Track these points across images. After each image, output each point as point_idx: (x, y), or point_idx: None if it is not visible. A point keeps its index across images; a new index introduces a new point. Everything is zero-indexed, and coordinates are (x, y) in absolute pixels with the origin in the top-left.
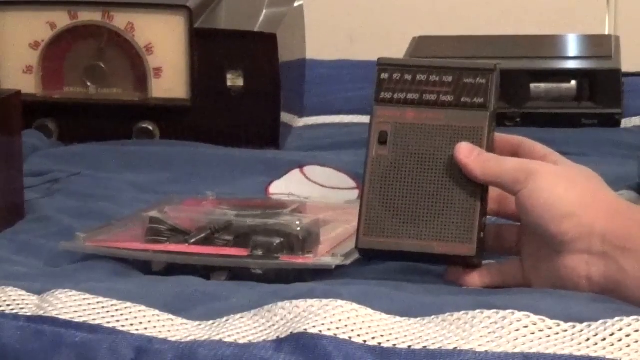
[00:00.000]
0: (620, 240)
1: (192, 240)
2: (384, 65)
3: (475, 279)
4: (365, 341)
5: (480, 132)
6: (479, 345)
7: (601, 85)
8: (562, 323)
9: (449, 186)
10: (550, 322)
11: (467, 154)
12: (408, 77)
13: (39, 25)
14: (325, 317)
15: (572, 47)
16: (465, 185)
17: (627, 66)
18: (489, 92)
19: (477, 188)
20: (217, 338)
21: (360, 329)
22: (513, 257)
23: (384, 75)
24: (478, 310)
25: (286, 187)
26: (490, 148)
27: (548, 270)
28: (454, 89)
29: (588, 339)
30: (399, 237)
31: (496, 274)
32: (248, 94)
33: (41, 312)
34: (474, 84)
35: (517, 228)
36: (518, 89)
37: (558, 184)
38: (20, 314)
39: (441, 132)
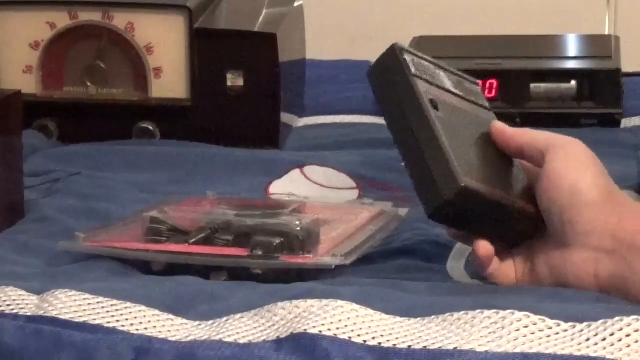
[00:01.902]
0: (631, 239)
1: (192, 240)
2: (402, 49)
3: (510, 273)
4: (365, 341)
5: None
6: (479, 345)
7: (601, 85)
8: (562, 323)
9: (501, 155)
10: (550, 322)
11: (503, 125)
12: (424, 63)
13: (39, 25)
14: (325, 318)
15: (572, 47)
16: (504, 158)
17: (627, 66)
18: (485, 99)
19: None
20: (217, 338)
21: (360, 329)
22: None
23: (408, 57)
24: (478, 311)
25: (286, 187)
26: None
27: (549, 267)
28: (462, 88)
29: (588, 339)
30: (495, 188)
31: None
32: (248, 94)
33: (41, 312)
34: (473, 90)
35: None
36: (518, 89)
37: (587, 169)
38: (20, 314)
39: (473, 116)
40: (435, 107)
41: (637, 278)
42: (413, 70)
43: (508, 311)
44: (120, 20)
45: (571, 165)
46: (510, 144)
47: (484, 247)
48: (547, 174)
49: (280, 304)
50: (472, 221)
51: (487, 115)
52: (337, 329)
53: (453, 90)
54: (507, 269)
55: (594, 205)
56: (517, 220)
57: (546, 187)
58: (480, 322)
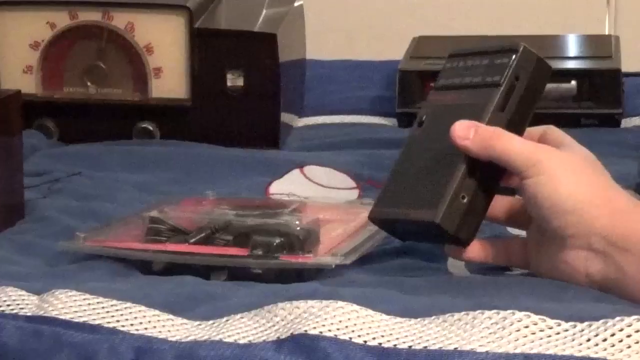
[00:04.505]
0: (621, 241)
1: (192, 240)
2: (453, 54)
3: (475, 252)
4: (365, 342)
5: (482, 108)
6: (480, 345)
7: (601, 85)
8: (562, 323)
9: (439, 160)
10: (551, 322)
11: (462, 133)
12: (463, 63)
13: (39, 25)
14: (325, 319)
15: (572, 47)
16: (451, 159)
17: (627, 66)
18: (506, 70)
19: (463, 162)
20: (217, 338)
21: (361, 329)
22: (520, 236)
23: (448, 65)
24: (479, 311)
25: (286, 187)
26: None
27: (548, 259)
28: (485, 70)
29: (589, 339)
30: (389, 207)
31: (500, 249)
32: (248, 94)
33: (41, 312)
34: (500, 64)
35: (521, 204)
36: None
37: (563, 178)
38: (20, 314)
39: (457, 110)
40: (421, 123)
41: (629, 280)
42: (440, 80)
43: (508, 311)
44: (120, 20)
45: (544, 180)
46: (476, 157)
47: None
48: (524, 190)
49: (280, 305)
50: (407, 236)
51: (483, 95)
52: (338, 329)
53: (465, 82)
54: (510, 252)
55: (574, 212)
56: (421, 229)
57: (526, 202)
58: (481, 323)
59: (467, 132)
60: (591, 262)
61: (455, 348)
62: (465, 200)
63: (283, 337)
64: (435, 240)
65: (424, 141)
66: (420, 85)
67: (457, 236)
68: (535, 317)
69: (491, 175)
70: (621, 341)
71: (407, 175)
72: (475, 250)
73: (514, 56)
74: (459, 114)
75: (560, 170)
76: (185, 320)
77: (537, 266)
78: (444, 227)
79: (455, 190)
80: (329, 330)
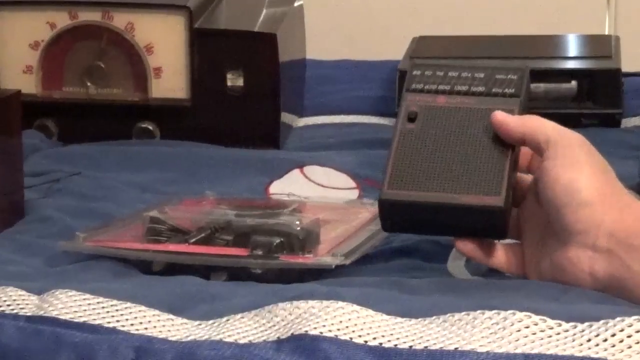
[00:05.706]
0: (628, 238)
1: (192, 240)
2: (417, 65)
3: (500, 258)
4: (366, 342)
5: (511, 113)
6: (480, 345)
7: (601, 85)
8: (563, 323)
9: (478, 147)
10: (551, 322)
11: (504, 115)
12: (440, 73)
13: (39, 25)
14: (326, 319)
15: (572, 47)
16: (495, 146)
17: (627, 66)
18: (521, 85)
19: (507, 148)
20: (217, 338)
21: (362, 329)
22: (515, 242)
23: (416, 72)
24: (479, 311)
25: (286, 187)
26: None
27: (550, 262)
28: (486, 82)
29: (589, 340)
30: (424, 190)
31: (510, 256)
32: (248, 94)
33: (41, 312)
34: (505, 79)
35: (516, 212)
36: None
37: (586, 168)
38: (20, 314)
39: (471, 112)
40: (412, 119)
41: (635, 278)
42: (414, 84)
43: (509, 311)
44: (120, 20)
45: (567, 164)
46: (512, 135)
47: (462, 245)
48: (544, 171)
49: (280, 305)
50: (422, 226)
51: (503, 103)
52: (338, 330)
53: (462, 89)
54: (512, 259)
55: (588, 205)
56: (469, 216)
57: (543, 185)
58: (482, 323)
59: (506, 115)
60: (596, 261)
61: (456, 348)
62: (511, 193)
63: (283, 337)
64: (457, 232)
65: (426, 133)
66: None
67: (507, 226)
68: (535, 318)
69: (516, 166)
70: (622, 341)
71: (421, 162)
72: (500, 255)
73: (524, 74)
74: (474, 115)
75: (586, 158)
76: (185, 320)
77: (535, 268)
78: (506, 214)
79: (508, 180)
80: (330, 331)
